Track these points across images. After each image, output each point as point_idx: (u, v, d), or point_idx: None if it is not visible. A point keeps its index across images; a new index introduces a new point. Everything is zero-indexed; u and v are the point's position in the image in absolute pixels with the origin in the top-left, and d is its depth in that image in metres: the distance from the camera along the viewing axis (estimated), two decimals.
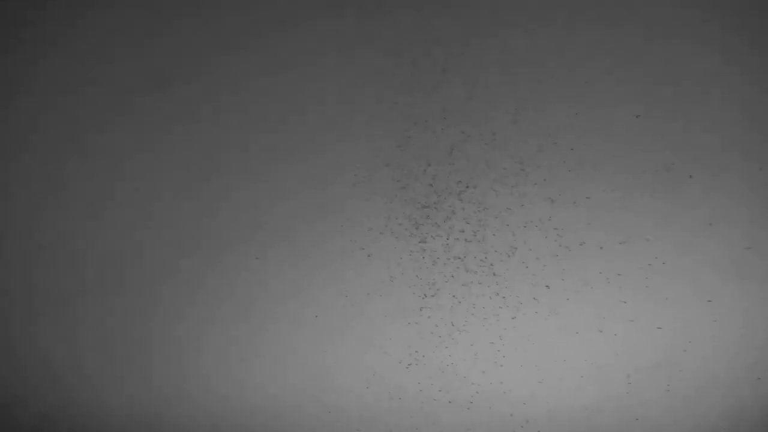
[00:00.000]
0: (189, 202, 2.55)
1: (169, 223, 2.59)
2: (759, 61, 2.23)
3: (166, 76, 2.32)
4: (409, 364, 2.87)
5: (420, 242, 2.58)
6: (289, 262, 2.66)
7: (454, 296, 2.72)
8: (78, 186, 2.53)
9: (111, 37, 2.28)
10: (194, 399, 3.06)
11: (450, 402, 2.93)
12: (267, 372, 2.96)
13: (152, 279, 2.70)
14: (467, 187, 2.53)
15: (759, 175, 2.42)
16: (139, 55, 2.30)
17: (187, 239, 2.61)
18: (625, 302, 2.73)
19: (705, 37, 2.21)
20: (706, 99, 2.32)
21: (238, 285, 2.72)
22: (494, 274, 2.67)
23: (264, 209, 2.56)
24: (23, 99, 2.38)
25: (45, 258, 2.67)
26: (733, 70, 2.26)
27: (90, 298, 2.75)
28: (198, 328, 2.83)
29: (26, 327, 2.84)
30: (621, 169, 2.47)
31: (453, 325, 2.79)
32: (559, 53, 2.28)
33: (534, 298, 2.75)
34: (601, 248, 2.62)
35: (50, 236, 2.62)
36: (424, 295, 2.72)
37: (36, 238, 2.63)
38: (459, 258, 2.63)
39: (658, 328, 2.77)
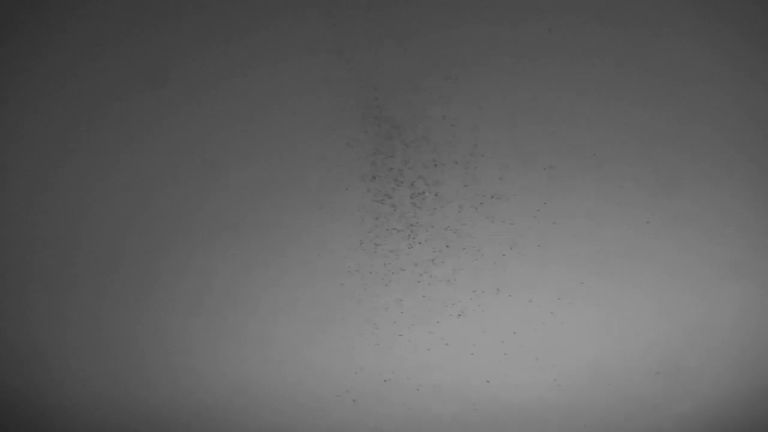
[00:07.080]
0: (173, 195, 2.55)
1: (154, 217, 2.60)
2: (760, 60, 2.19)
3: (157, 73, 2.31)
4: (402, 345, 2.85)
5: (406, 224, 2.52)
6: (273, 252, 2.66)
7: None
8: (66, 181, 2.54)
9: (99, 35, 2.27)
10: (185, 391, 3.12)
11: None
12: (256, 362, 2.98)
13: (140, 271, 2.72)
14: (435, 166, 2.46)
15: (759, 175, 2.38)
16: (126, 53, 2.28)
17: (172, 232, 2.62)
18: (623, 302, 2.70)
19: (703, 35, 2.17)
20: (706, 99, 2.28)
21: (221, 275, 2.72)
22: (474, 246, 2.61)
23: (248, 201, 2.55)
24: (14, 95, 2.38)
25: (33, 251, 2.70)
26: (734, 68, 2.22)
27: (79, 289, 2.79)
28: (187, 318, 2.86)
29: (17, 320, 2.89)
30: (621, 168, 2.43)
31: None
32: (555, 51, 2.24)
33: (531, 301, 2.72)
34: (598, 248, 2.60)
35: (39, 231, 2.64)
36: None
37: (25, 232, 2.65)
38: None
39: (655, 329, 2.75)
